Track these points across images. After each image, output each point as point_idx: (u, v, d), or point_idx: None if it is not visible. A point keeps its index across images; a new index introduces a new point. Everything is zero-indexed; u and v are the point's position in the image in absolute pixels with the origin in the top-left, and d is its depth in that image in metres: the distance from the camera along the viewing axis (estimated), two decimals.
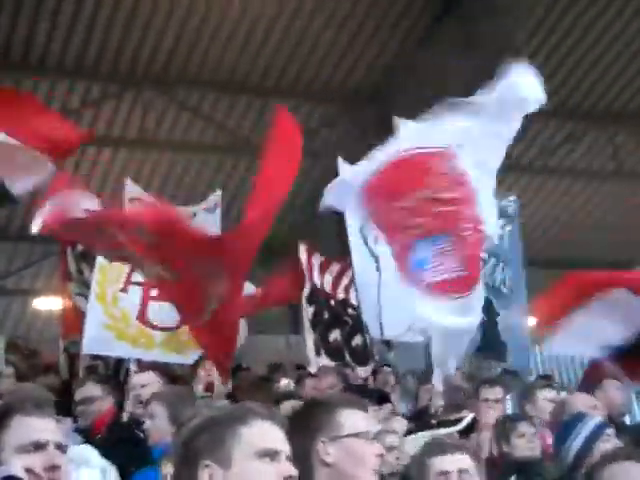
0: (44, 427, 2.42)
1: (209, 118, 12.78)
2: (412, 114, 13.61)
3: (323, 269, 7.98)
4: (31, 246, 14.66)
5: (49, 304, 14.48)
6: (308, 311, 7.71)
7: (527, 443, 4.67)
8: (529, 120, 14.49)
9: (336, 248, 12.73)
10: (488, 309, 6.65)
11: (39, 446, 2.38)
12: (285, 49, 12.25)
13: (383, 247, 7.00)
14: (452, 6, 12.00)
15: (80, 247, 7.53)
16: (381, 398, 5.98)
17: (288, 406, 5.24)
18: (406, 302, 6.68)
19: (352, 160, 14.33)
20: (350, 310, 7.84)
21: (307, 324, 7.65)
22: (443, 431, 4.19)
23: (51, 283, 14.75)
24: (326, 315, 7.74)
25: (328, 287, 7.94)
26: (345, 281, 7.96)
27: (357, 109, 13.19)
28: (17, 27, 11.35)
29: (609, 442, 4.29)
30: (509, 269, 6.94)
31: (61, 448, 2.44)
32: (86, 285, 7.03)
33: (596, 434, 4.31)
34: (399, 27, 12.24)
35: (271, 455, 2.13)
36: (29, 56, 11.74)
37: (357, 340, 7.65)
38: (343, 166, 7.27)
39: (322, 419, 2.70)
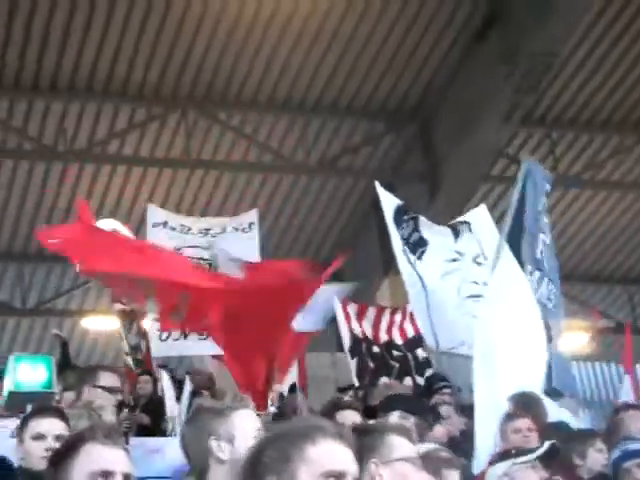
0: (113, 457, 2.42)
1: (252, 138, 12.86)
2: (453, 130, 13.61)
3: (360, 316, 7.96)
4: None
5: (98, 324, 14.65)
6: (352, 364, 7.64)
7: (603, 457, 4.63)
8: (575, 134, 14.37)
9: (378, 265, 12.80)
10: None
11: (107, 475, 2.38)
12: (326, 68, 12.29)
13: (424, 266, 7.04)
14: (494, 22, 11.94)
15: None
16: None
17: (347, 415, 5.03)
18: (456, 317, 6.66)
19: (395, 177, 14.36)
20: (395, 352, 7.76)
21: (354, 377, 7.62)
22: (523, 459, 4.08)
23: (99, 304, 14.92)
24: (371, 364, 7.66)
25: (369, 333, 7.93)
26: (384, 324, 7.95)
27: (399, 126, 13.17)
28: (64, 54, 11.58)
29: None
30: (552, 285, 6.81)
31: (128, 479, 2.44)
32: None
33: (622, 458, 4.26)
34: (440, 42, 12.21)
35: (337, 476, 2.09)
36: (76, 81, 11.96)
37: (407, 381, 7.50)
38: (382, 191, 7.32)
39: (375, 441, 2.73)
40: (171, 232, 8.10)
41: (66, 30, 11.32)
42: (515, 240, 6.34)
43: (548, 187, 7.02)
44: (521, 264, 6.28)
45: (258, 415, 6.15)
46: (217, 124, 12.73)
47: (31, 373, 5.66)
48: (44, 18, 11.14)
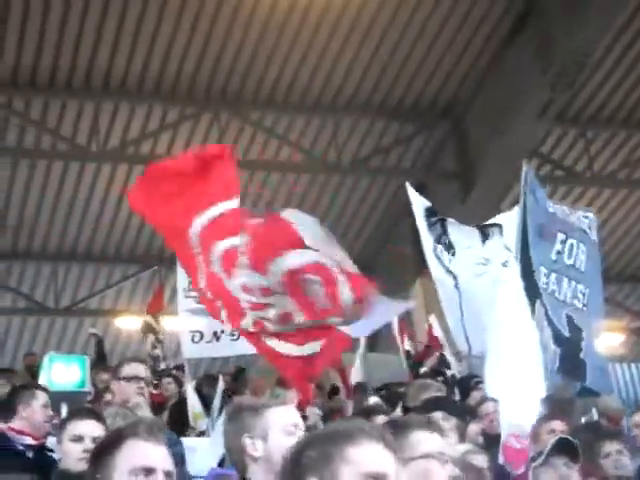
0: (155, 453, 2.41)
1: (284, 138, 12.85)
2: (486, 128, 13.44)
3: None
4: (112, 268, 14.94)
5: (131, 324, 14.72)
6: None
7: (615, 462, 4.54)
8: (611, 133, 14.20)
9: (410, 265, 12.71)
10: (570, 326, 6.46)
11: (148, 471, 2.38)
12: (357, 68, 12.26)
13: (457, 265, 6.95)
14: (526, 22, 11.84)
15: None
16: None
17: (379, 421, 5.01)
18: (488, 319, 6.58)
19: (428, 176, 14.21)
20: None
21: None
22: (539, 460, 4.01)
23: (132, 303, 15.01)
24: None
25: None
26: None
27: (431, 124, 13.10)
28: (97, 54, 11.64)
29: None
30: (580, 285, 6.71)
31: (170, 476, 2.42)
32: None
33: None
34: (474, 40, 12.13)
35: (377, 478, 2.06)
36: (109, 82, 12.03)
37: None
38: (412, 192, 7.27)
39: (398, 438, 2.64)
40: None
41: (99, 31, 11.38)
42: (524, 246, 6.30)
43: (541, 189, 6.89)
44: (533, 271, 6.27)
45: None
46: (249, 124, 12.74)
47: (65, 373, 5.69)
48: (77, 18, 11.21)
